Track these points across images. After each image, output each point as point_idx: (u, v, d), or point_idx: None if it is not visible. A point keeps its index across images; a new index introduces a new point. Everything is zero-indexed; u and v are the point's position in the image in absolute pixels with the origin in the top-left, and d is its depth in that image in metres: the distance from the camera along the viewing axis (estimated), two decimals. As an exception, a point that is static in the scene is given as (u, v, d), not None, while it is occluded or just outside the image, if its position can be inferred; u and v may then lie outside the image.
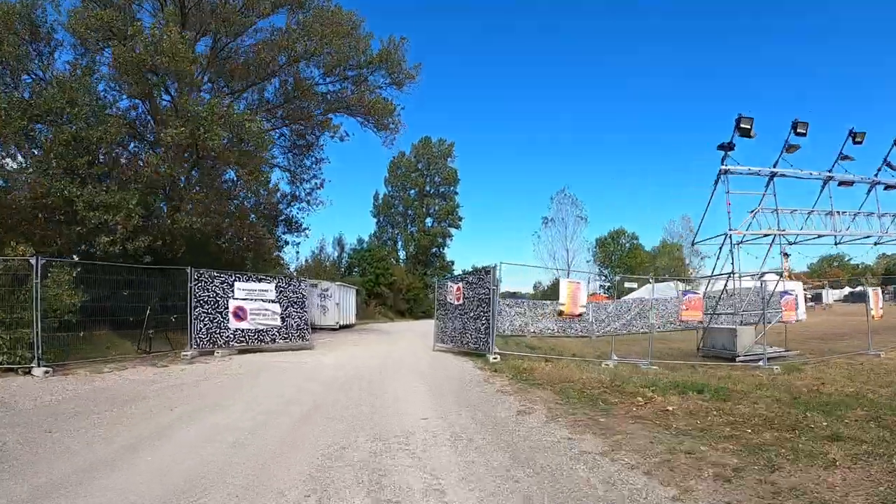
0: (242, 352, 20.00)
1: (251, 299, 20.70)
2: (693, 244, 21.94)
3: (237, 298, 20.38)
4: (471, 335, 18.98)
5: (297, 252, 39.11)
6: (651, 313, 27.91)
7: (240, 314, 20.37)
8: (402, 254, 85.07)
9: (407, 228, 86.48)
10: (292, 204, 32.19)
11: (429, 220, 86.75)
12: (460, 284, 20.34)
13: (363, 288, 61.93)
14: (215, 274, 20.09)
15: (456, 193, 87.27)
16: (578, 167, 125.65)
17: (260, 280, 21.30)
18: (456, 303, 20.47)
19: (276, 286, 21.48)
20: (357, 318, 49.88)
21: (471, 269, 18.82)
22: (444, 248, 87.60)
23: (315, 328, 35.01)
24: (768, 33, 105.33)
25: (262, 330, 20.88)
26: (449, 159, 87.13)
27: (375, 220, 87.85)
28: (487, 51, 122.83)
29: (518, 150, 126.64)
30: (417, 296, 75.94)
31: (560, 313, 18.68)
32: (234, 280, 20.51)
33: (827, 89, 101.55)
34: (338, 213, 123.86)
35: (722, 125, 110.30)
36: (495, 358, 17.05)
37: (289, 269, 52.43)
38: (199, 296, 19.42)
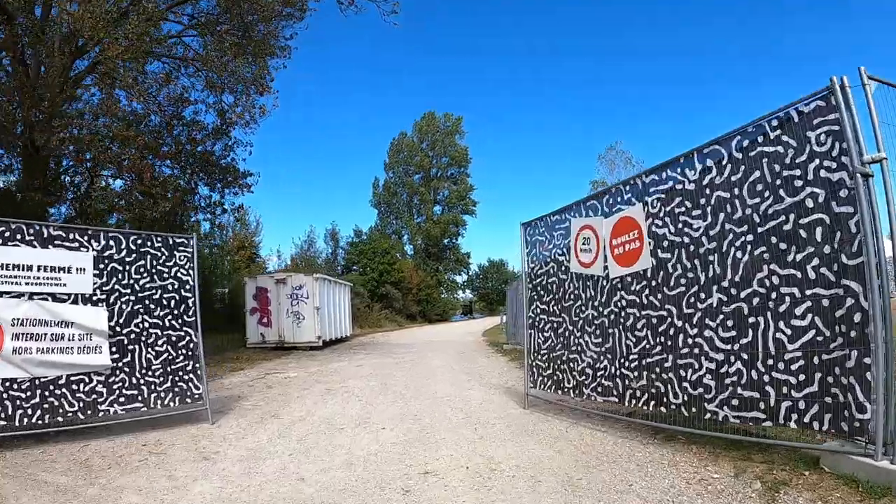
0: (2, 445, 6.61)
1: (15, 294, 7.22)
2: None
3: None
4: (726, 381, 5.25)
5: (236, 217, 22.30)
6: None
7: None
8: (408, 248, 72.15)
9: (413, 218, 73.70)
10: (221, 135, 18.24)
11: (437, 208, 75.07)
12: (632, 211, 6.33)
13: (364, 288, 48.37)
14: None
15: (468, 175, 75.73)
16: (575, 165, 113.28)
17: (44, 238, 7.50)
18: (618, 271, 6.55)
19: (96, 257, 7.88)
20: (356, 326, 36.38)
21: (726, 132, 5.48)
22: (457, 239, 76.06)
23: (286, 347, 22.48)
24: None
25: (52, 382, 7.34)
26: (457, 136, 75.63)
27: (376, 210, 75.36)
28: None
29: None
30: (430, 295, 64.10)
31: None
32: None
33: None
34: (331, 203, 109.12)
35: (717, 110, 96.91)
36: None
37: (266, 268, 39.11)
38: None
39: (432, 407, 8.93)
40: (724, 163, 5.35)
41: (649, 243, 6.06)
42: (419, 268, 65.16)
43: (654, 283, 6.02)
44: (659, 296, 5.94)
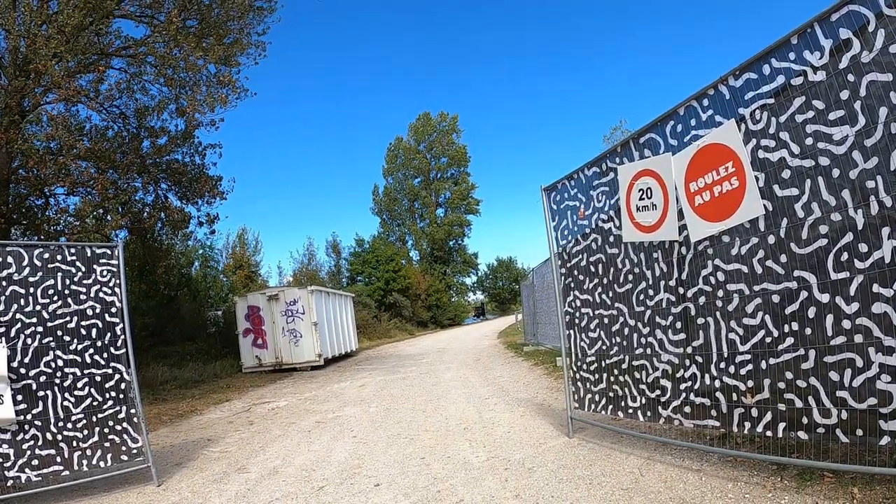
0: None
1: None
2: None
3: None
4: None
5: (213, 230, 19.89)
6: None
7: None
8: (414, 254, 70.01)
9: (416, 223, 71.73)
10: (187, 139, 16.24)
11: (440, 211, 73.32)
12: (719, 135, 4.18)
13: (371, 299, 46.38)
14: None
15: (469, 174, 73.30)
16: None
17: None
18: (706, 229, 4.36)
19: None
20: (363, 338, 34.38)
21: None
22: (463, 240, 73.60)
23: (285, 369, 20.50)
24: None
25: None
26: (455, 135, 73.46)
27: (378, 218, 73.36)
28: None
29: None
30: (440, 300, 62.13)
31: None
32: None
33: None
34: (331, 214, 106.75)
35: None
36: None
37: (267, 286, 36.97)
38: None
39: (445, 441, 6.77)
40: (871, 28, 3.26)
41: (756, 178, 3.90)
42: (426, 273, 63.27)
43: (771, 238, 3.86)
44: (783, 258, 3.78)
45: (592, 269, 5.87)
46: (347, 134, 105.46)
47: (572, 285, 6.25)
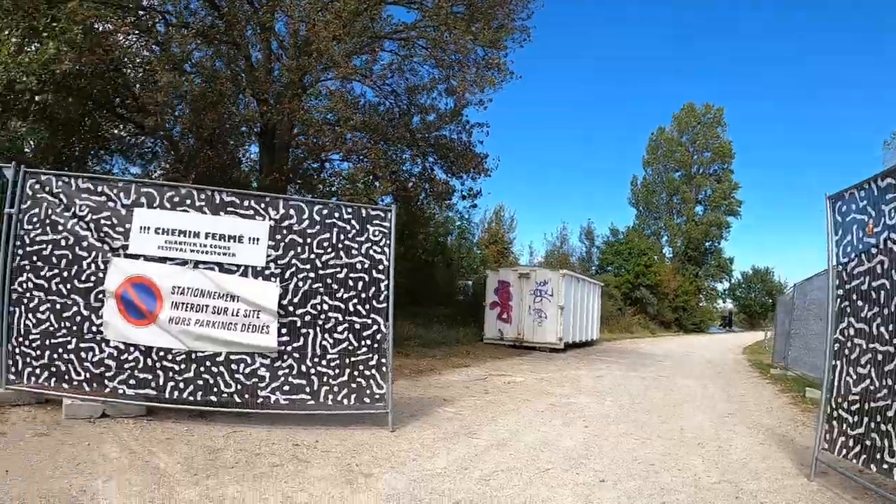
0: (155, 414, 6.53)
1: (179, 261, 6.67)
2: None
3: (138, 255, 6.56)
4: None
5: (475, 204, 21.20)
6: None
7: (140, 304, 6.48)
8: (667, 251, 66.98)
9: (672, 219, 68.48)
10: (455, 117, 17.36)
11: (699, 208, 68.63)
12: None
13: (618, 291, 45.56)
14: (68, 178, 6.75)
15: (731, 171, 68.04)
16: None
17: (215, 204, 6.86)
18: None
19: (273, 227, 6.91)
20: (604, 329, 33.85)
21: None
22: (720, 242, 68.43)
23: (524, 346, 21.06)
24: None
25: (209, 358, 6.62)
26: (719, 128, 68.19)
27: (635, 210, 70.92)
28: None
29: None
30: (688, 302, 58.45)
31: None
32: (136, 200, 6.65)
33: None
34: (585, 200, 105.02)
35: None
36: None
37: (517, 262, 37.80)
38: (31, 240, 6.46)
39: (676, 451, 6.52)
40: None
41: None
42: (678, 272, 60.13)
43: None
44: None
45: (874, 295, 5.09)
46: (608, 121, 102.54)
47: (848, 310, 5.50)
